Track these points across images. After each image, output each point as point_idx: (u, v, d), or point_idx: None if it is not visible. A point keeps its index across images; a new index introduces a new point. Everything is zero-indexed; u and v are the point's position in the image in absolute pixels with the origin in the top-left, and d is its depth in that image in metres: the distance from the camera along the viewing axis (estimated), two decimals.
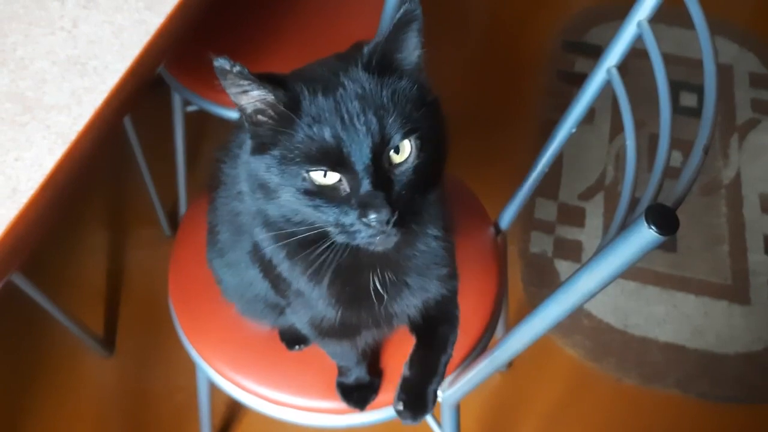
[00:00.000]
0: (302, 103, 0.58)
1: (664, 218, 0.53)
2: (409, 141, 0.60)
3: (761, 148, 1.86)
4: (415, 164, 0.60)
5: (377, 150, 0.58)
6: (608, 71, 0.84)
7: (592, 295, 0.62)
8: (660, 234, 0.52)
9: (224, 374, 0.92)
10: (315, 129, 0.58)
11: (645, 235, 0.53)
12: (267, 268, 0.74)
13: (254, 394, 0.91)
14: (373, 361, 0.90)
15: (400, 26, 0.59)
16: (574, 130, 0.93)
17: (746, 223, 1.70)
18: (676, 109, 1.86)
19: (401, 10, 0.58)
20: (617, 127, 1.88)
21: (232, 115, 1.24)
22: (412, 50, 0.61)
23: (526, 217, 1.71)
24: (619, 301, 1.57)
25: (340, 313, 0.72)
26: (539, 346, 1.50)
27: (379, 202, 0.57)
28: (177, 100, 1.36)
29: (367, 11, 1.28)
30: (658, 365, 1.49)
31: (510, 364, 1.49)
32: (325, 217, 0.60)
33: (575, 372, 1.48)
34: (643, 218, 0.53)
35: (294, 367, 0.91)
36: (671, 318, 1.55)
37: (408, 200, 0.60)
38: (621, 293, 1.58)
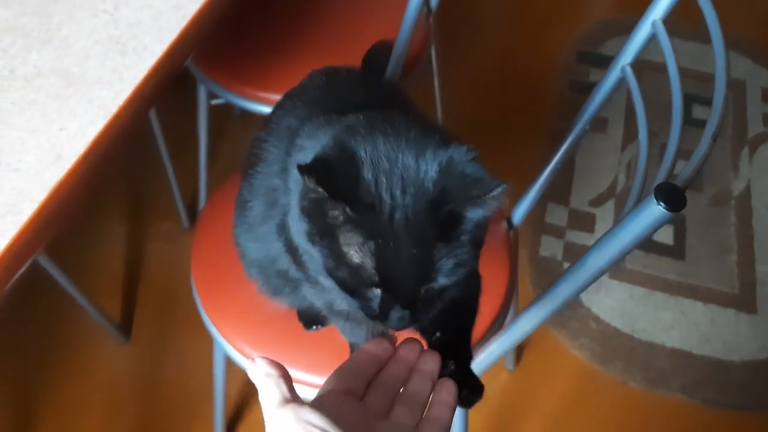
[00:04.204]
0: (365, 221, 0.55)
1: (672, 196, 0.56)
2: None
3: None
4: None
5: (419, 285, 0.57)
6: (622, 69, 0.87)
7: (603, 272, 0.65)
8: (668, 210, 0.55)
9: (242, 351, 0.95)
10: (366, 255, 0.56)
11: (654, 211, 0.56)
12: (291, 245, 0.76)
13: None
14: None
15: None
16: (587, 128, 0.97)
17: (755, 234, 1.72)
18: (689, 121, 1.88)
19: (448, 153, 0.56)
20: (629, 137, 1.91)
21: (256, 107, 1.28)
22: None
23: (537, 222, 1.73)
24: (628, 306, 1.59)
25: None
26: (547, 348, 1.54)
27: (404, 318, 0.58)
28: (202, 93, 1.40)
29: (391, 10, 1.32)
30: (664, 370, 1.50)
31: (517, 364, 1.51)
32: (344, 296, 0.60)
33: (582, 374, 1.50)
34: (653, 195, 0.56)
35: (310, 347, 0.94)
36: (678, 324, 1.57)
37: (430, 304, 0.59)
38: (629, 299, 1.61)
